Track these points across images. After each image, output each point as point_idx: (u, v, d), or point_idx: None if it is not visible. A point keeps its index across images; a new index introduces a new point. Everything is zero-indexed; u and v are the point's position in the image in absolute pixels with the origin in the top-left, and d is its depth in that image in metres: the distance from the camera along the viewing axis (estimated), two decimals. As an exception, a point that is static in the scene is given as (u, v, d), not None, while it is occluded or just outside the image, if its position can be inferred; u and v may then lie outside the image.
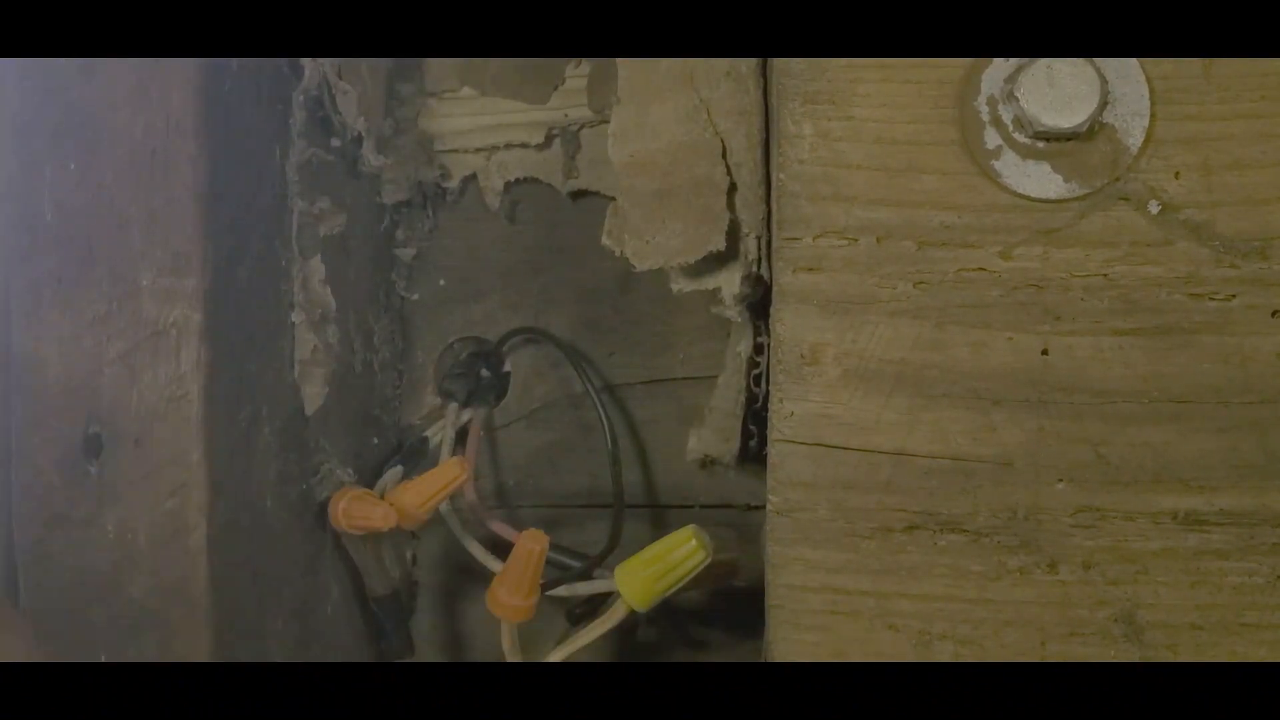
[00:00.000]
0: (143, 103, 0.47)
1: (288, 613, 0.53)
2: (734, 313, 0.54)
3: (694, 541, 0.52)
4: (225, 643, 0.48)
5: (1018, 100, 0.43)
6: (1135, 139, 0.43)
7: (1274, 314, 0.43)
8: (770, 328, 0.46)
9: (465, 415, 0.61)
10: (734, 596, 0.62)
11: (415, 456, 0.60)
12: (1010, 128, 0.44)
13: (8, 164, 0.48)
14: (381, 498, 0.55)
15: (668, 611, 0.63)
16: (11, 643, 0.42)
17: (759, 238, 0.51)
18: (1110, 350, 0.43)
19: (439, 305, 0.65)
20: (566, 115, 0.61)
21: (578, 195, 0.63)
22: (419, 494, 0.54)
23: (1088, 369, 0.43)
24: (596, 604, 0.58)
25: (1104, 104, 0.42)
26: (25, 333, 0.48)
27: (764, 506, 0.46)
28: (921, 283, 0.44)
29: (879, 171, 0.44)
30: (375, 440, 0.62)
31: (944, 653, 0.44)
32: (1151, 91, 0.43)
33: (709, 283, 0.53)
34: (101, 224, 0.47)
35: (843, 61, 0.44)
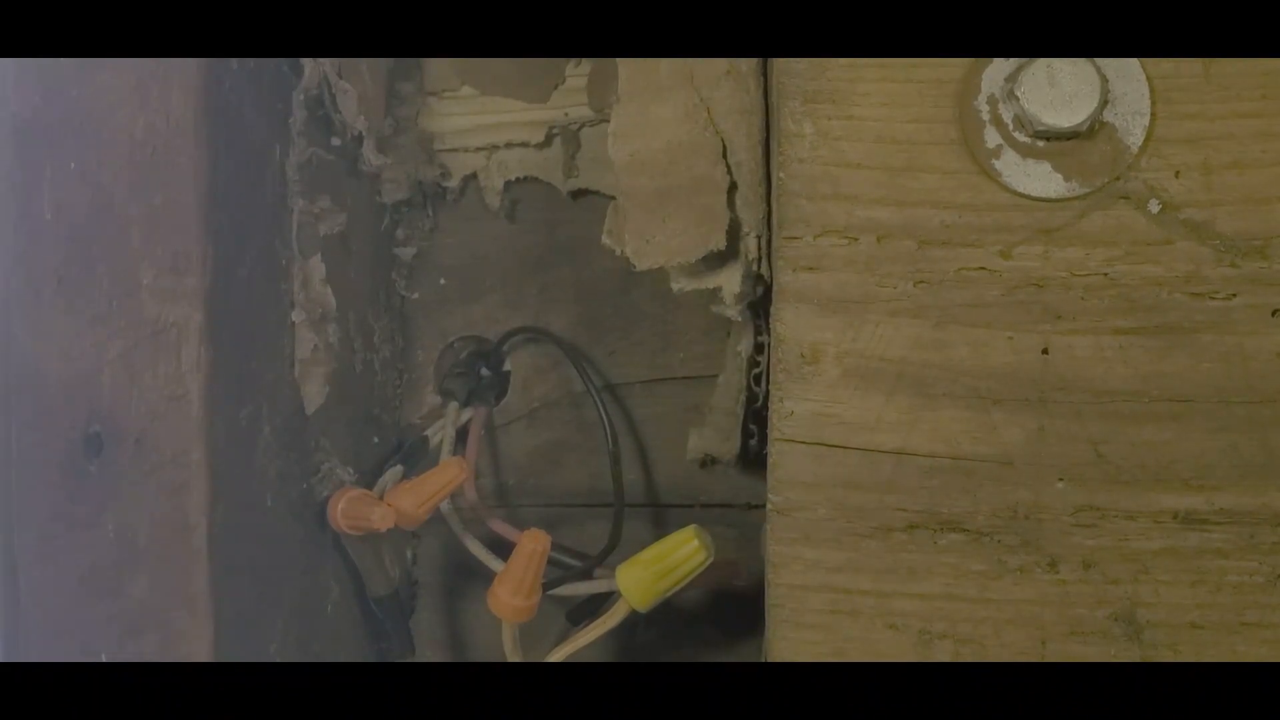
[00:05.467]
0: (143, 103, 0.47)
1: (288, 613, 0.53)
2: (734, 312, 0.54)
3: (695, 542, 0.52)
4: (225, 643, 0.48)
5: (1018, 99, 0.43)
6: (1135, 138, 0.43)
7: (1274, 313, 0.43)
8: (770, 327, 0.46)
9: (465, 414, 0.61)
10: (734, 596, 0.62)
11: (415, 456, 0.60)
12: (1010, 127, 0.44)
13: (8, 164, 0.48)
14: (381, 498, 0.55)
15: (668, 611, 0.63)
16: None
17: (759, 237, 0.51)
18: (1111, 349, 0.43)
19: (439, 304, 0.65)
20: (567, 114, 0.61)
21: (578, 194, 0.63)
22: (418, 494, 0.54)
23: (1088, 368, 0.43)
24: (597, 604, 0.58)
25: (1104, 103, 0.42)
26: (25, 333, 0.48)
27: (764, 506, 0.46)
28: (922, 282, 0.44)
29: (879, 170, 0.44)
30: (375, 439, 0.62)
31: (944, 652, 0.44)
32: (1152, 91, 0.43)
33: (709, 282, 0.53)
34: (101, 224, 0.47)
35: (843, 61, 0.44)
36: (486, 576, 0.56)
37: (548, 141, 0.62)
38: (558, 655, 0.54)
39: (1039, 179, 0.43)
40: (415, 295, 0.65)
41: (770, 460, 0.45)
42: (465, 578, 0.65)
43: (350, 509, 0.54)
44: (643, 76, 0.52)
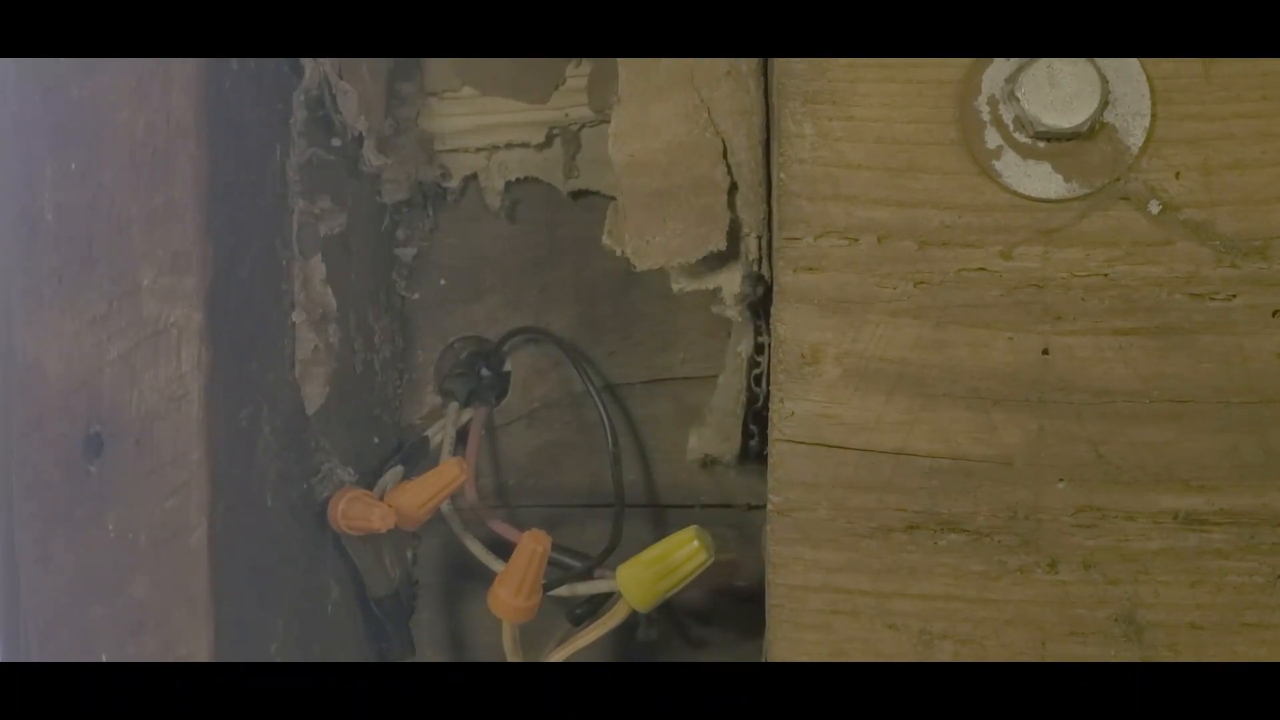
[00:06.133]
0: (143, 102, 0.47)
1: (288, 613, 0.53)
2: (734, 312, 0.54)
3: (696, 542, 0.52)
4: (225, 643, 0.48)
5: (1018, 100, 0.43)
6: (1136, 139, 0.43)
7: (1274, 314, 0.43)
8: (771, 327, 0.46)
9: (466, 415, 0.61)
10: (734, 596, 0.62)
11: (415, 456, 0.60)
12: (1011, 128, 0.44)
13: (8, 164, 0.48)
14: (381, 498, 0.55)
15: (668, 611, 0.63)
16: None
17: (759, 237, 0.51)
18: (1111, 350, 0.43)
19: (439, 305, 0.65)
20: (567, 115, 0.61)
21: (578, 195, 0.63)
22: (418, 494, 0.54)
23: (1088, 369, 0.43)
24: (598, 604, 0.58)
25: (1104, 104, 0.42)
26: (25, 333, 0.48)
27: (764, 506, 0.46)
28: (922, 282, 0.44)
29: (880, 171, 0.44)
30: (376, 440, 0.62)
31: (944, 652, 0.44)
32: (1152, 91, 0.43)
33: (709, 282, 0.53)
34: (101, 224, 0.47)
35: (843, 61, 0.44)
36: (486, 577, 0.56)
37: (548, 142, 0.62)
38: (558, 655, 0.54)
39: (1039, 180, 0.43)
40: (415, 295, 0.65)
41: (770, 460, 0.45)
42: (465, 578, 0.65)
43: (351, 509, 0.54)
44: (643, 77, 0.52)
